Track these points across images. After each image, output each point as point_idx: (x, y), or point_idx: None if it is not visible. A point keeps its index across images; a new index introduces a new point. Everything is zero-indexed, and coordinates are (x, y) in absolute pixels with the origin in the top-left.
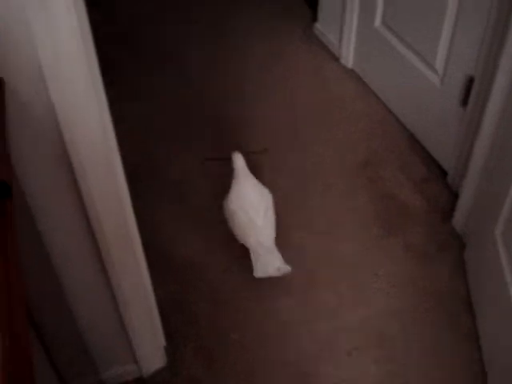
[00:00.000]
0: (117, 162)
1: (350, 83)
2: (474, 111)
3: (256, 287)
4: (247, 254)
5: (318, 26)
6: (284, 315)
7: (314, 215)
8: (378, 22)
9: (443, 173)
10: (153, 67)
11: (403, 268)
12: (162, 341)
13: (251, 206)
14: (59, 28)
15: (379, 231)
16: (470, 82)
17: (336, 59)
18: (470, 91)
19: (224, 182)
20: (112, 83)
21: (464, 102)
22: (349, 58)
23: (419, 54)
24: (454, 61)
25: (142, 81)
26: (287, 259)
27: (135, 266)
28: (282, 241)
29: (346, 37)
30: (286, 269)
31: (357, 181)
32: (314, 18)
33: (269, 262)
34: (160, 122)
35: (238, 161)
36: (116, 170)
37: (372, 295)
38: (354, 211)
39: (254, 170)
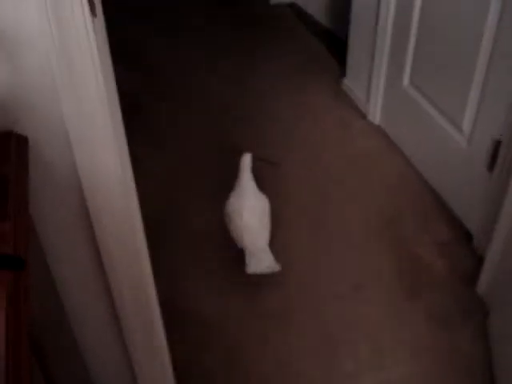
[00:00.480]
0: (137, 219)
1: (376, 140)
2: (501, 176)
3: (275, 350)
4: (267, 313)
5: (346, 81)
6: (302, 379)
7: (337, 274)
8: (406, 81)
9: (468, 235)
10: (177, 113)
11: (425, 333)
12: None
13: (247, 211)
14: (85, 92)
15: (402, 294)
16: (497, 146)
17: (363, 115)
18: (497, 155)
19: None
20: (139, 129)
21: (490, 166)
22: (376, 114)
23: (446, 115)
24: (481, 123)
25: (167, 126)
26: (306, 319)
27: (150, 325)
28: (303, 300)
29: (374, 94)
30: (275, 267)
31: (380, 239)
32: (343, 74)
33: (261, 259)
34: (184, 169)
35: (246, 161)
36: (136, 227)
37: (392, 360)
38: (376, 272)
39: (277, 222)
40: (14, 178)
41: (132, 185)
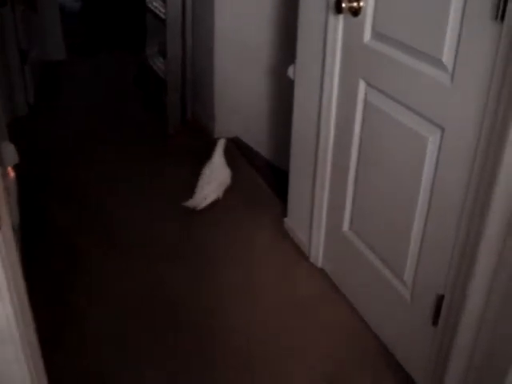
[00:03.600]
0: None
1: (319, 284)
2: (446, 331)
3: None
4: None
5: (288, 221)
6: None
7: None
8: (346, 227)
9: None
10: (115, 259)
11: None
12: None
13: (207, 173)
14: None
15: None
16: (441, 300)
17: (306, 257)
18: (441, 310)
19: None
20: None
21: (435, 320)
22: (318, 257)
23: (388, 265)
24: (423, 276)
25: (107, 274)
26: None
27: None
28: None
29: (315, 236)
30: (198, 206)
31: None
32: (284, 212)
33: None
34: (130, 324)
35: (220, 143)
36: None
37: None
38: None
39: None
40: None
41: None
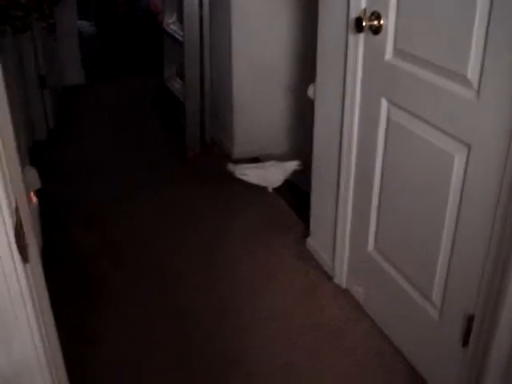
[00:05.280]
0: None
1: (344, 305)
2: (476, 352)
3: None
4: None
5: (310, 241)
6: None
7: None
8: (370, 246)
9: None
10: (137, 286)
11: None
12: None
13: (269, 162)
14: (18, 344)
15: None
16: (471, 320)
17: (329, 278)
18: (471, 330)
19: None
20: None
21: (465, 341)
22: (342, 277)
23: (415, 285)
24: (452, 296)
25: (130, 301)
26: None
27: None
28: None
29: (339, 256)
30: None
31: None
32: (307, 232)
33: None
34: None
35: (292, 165)
36: None
37: None
38: None
39: None
40: None
41: None
